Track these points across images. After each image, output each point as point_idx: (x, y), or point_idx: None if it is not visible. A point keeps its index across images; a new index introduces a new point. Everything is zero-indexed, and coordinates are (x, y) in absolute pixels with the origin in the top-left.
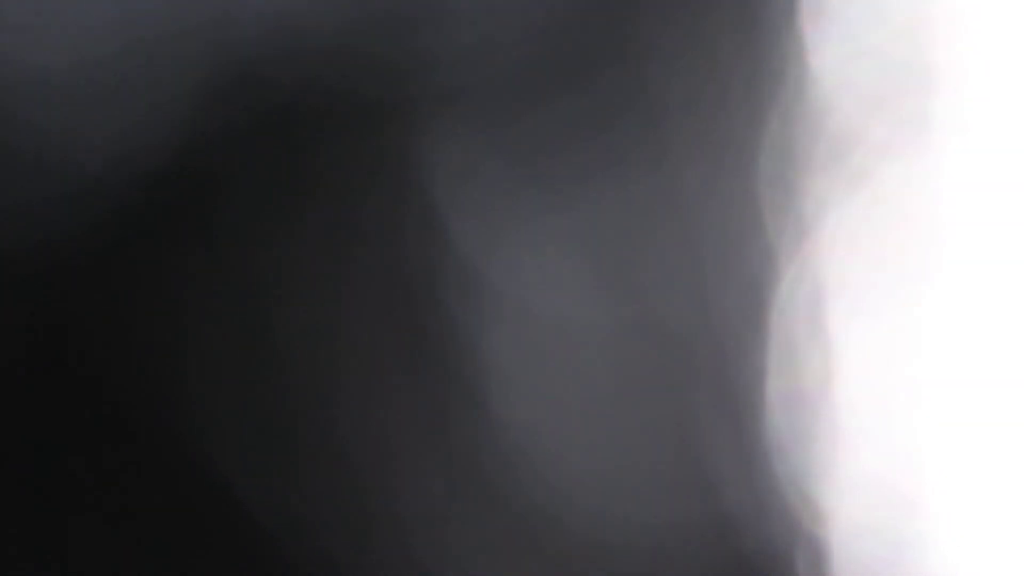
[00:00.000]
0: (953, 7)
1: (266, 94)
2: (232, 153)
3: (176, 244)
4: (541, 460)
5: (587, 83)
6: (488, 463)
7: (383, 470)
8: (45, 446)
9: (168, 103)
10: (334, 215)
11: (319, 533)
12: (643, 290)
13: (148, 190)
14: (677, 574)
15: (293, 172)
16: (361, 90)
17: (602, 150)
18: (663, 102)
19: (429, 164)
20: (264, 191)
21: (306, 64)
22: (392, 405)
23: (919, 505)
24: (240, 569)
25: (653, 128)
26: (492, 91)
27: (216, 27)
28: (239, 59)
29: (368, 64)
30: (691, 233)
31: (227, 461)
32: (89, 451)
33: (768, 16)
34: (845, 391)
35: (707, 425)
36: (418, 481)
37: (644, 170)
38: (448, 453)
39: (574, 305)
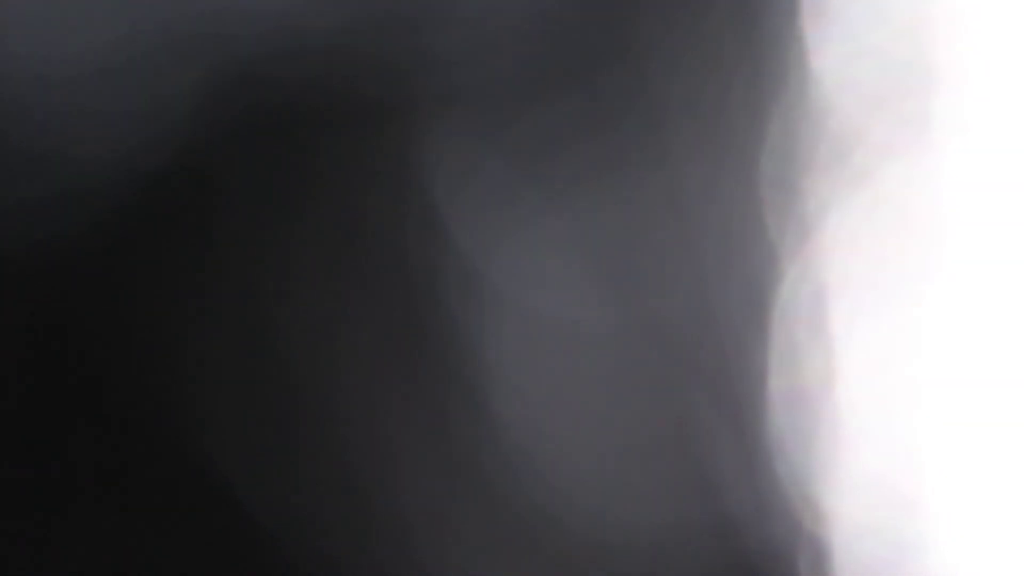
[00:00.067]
0: (954, 7)
1: (266, 94)
2: (232, 153)
3: (176, 244)
4: (542, 460)
5: (588, 83)
6: (488, 463)
7: (383, 470)
8: (45, 446)
9: (168, 103)
10: (334, 215)
11: (319, 533)
12: (644, 290)
13: (148, 190)
14: (678, 574)
15: (293, 172)
16: (361, 90)
17: (603, 150)
18: (664, 102)
19: (429, 164)
20: (264, 191)
21: (306, 64)
22: (392, 405)
23: (920, 505)
24: (240, 569)
25: (654, 128)
26: (493, 91)
27: (216, 27)
28: (239, 59)
29: (368, 64)
30: (692, 233)
31: (227, 461)
32: (89, 451)
33: (769, 16)
34: (846, 391)
35: (708, 425)
36: (418, 481)
37: (645, 170)
38: (448, 453)
39: (575, 305)
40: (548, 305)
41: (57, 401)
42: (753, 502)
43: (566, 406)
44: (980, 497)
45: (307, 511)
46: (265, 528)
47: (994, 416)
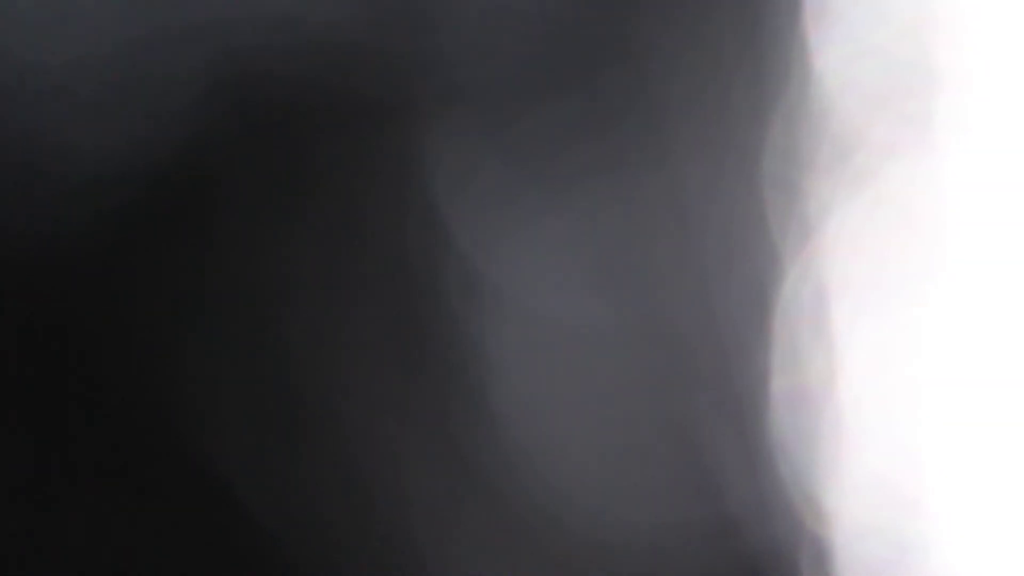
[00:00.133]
0: (956, 7)
1: (267, 93)
2: (233, 152)
3: (177, 243)
4: (543, 460)
5: (589, 83)
6: (489, 463)
7: (383, 469)
8: (45, 446)
9: (169, 102)
10: (335, 214)
11: (320, 533)
12: (645, 290)
13: (149, 189)
14: (680, 574)
15: (294, 172)
16: (362, 89)
17: (604, 150)
18: (665, 102)
19: (430, 164)
20: (265, 190)
21: (306, 63)
22: (393, 404)
23: (922, 505)
24: (240, 569)
25: (655, 128)
26: (493, 91)
27: (217, 27)
28: (240, 58)
29: (369, 63)
30: (693, 233)
31: (227, 461)
32: (89, 451)
33: (771, 16)
34: (848, 391)
35: (710, 425)
36: (419, 481)
37: (646, 170)
38: (449, 453)
39: (576, 305)
40: (549, 305)
41: (57, 401)
42: (755, 502)
43: (567, 406)
44: (982, 497)
45: (308, 511)
46: (265, 528)
47: (996, 416)
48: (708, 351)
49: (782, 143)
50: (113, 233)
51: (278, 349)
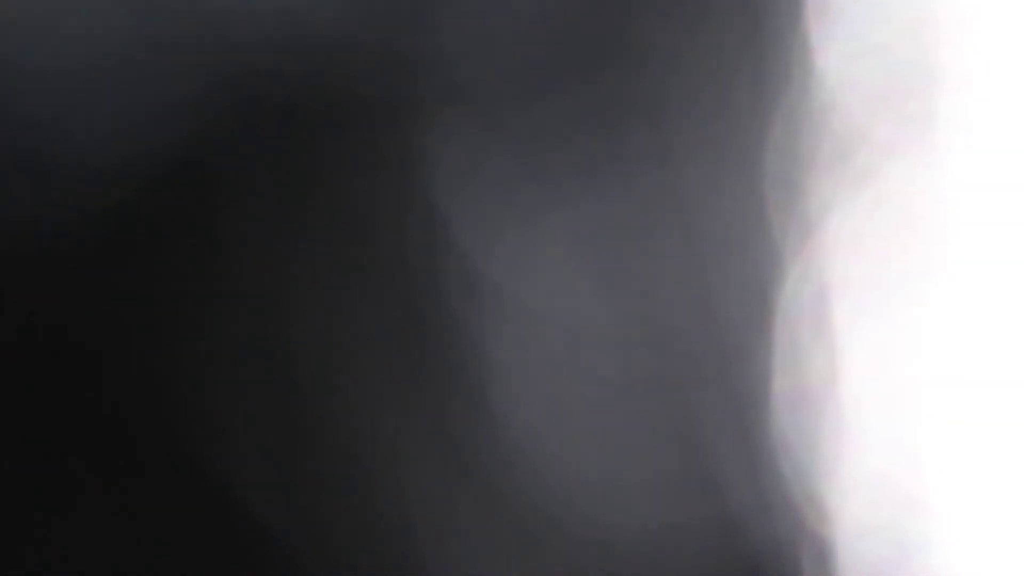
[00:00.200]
0: (958, 6)
1: (268, 91)
2: (234, 151)
3: (178, 242)
4: (544, 459)
5: (591, 80)
6: (490, 462)
7: (384, 469)
8: (45, 446)
9: (170, 100)
10: (336, 212)
11: (320, 533)
12: (646, 289)
13: (151, 188)
14: (681, 574)
15: (295, 170)
16: (363, 87)
17: (605, 148)
18: (667, 100)
19: (431, 161)
20: (266, 189)
21: (308, 61)
22: (393, 403)
23: (924, 504)
24: (241, 569)
25: (657, 126)
26: (495, 89)
27: (218, 24)
28: (241, 56)
29: (370, 61)
30: (695, 231)
31: (228, 460)
32: (89, 451)
33: (773, 15)
34: (850, 390)
35: (711, 424)
36: (420, 480)
37: (648, 169)
38: (450, 452)
39: (577, 304)
40: (550, 303)
41: (57, 401)
42: (756, 501)
43: (568, 405)
44: (983, 496)
45: (308, 511)
46: (266, 528)
47: (997, 415)
48: (709, 349)
49: (783, 142)
50: (113, 232)
51: (279, 348)
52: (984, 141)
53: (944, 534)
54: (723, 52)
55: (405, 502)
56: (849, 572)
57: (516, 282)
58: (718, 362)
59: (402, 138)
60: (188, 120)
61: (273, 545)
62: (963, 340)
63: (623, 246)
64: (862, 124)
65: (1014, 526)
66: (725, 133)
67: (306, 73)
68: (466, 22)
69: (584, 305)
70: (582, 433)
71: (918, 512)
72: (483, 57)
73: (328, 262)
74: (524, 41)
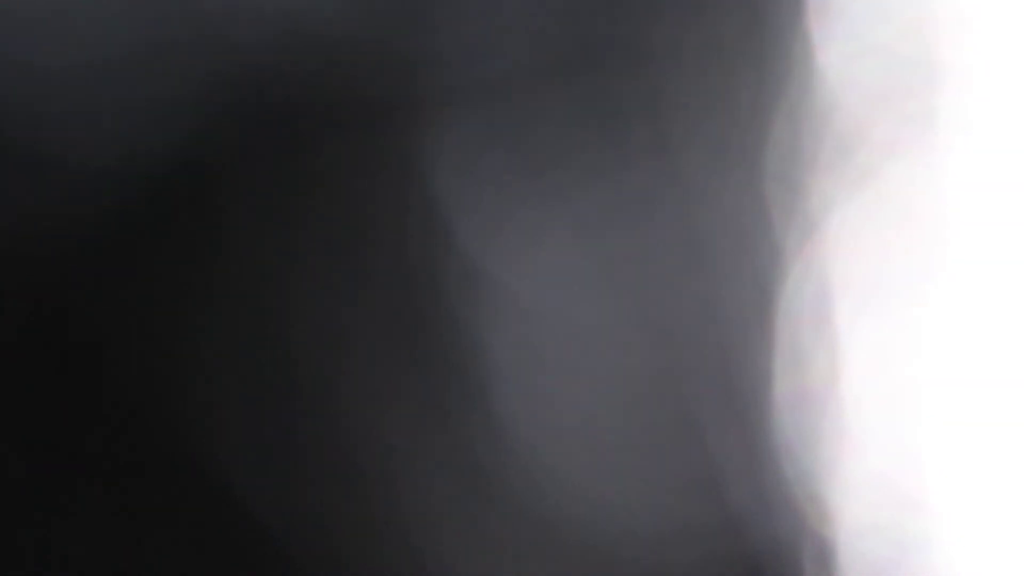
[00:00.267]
0: (958, 5)
1: (269, 91)
2: (235, 150)
3: (179, 242)
4: (545, 459)
5: (591, 80)
6: (490, 461)
7: (384, 467)
8: (45, 445)
9: (170, 101)
10: (336, 212)
11: (320, 532)
12: (647, 288)
13: (152, 188)
14: (684, 573)
15: (296, 170)
16: (364, 87)
17: (607, 147)
18: (668, 99)
19: (432, 160)
20: (266, 189)
21: (308, 61)
22: (394, 402)
23: (925, 504)
24: (241, 569)
25: (658, 125)
26: (496, 88)
27: (219, 26)
28: (242, 56)
29: (371, 61)
30: (696, 229)
31: (229, 460)
32: (89, 450)
33: (774, 13)
34: (851, 389)
35: (712, 424)
36: (420, 479)
37: (649, 168)
38: (450, 450)
39: (578, 303)
40: (551, 302)
41: (57, 400)
42: (757, 501)
43: (570, 404)
44: (984, 496)
45: (308, 510)
46: (266, 527)
47: (998, 416)
48: (710, 349)
49: (784, 141)
50: (115, 231)
51: (279, 347)
52: (985, 140)
53: (945, 534)
54: (724, 51)
55: (405, 502)
56: (850, 572)
57: (516, 281)
58: (719, 361)
59: (402, 138)
60: (188, 120)
61: (273, 545)
62: (964, 340)
63: (624, 245)
64: (863, 123)
65: (1014, 526)
66: (726, 132)
67: (306, 73)
68: (467, 21)
69: (585, 304)
70: (582, 432)
71: (919, 512)
72: (483, 57)
73: (328, 262)
74: (524, 41)
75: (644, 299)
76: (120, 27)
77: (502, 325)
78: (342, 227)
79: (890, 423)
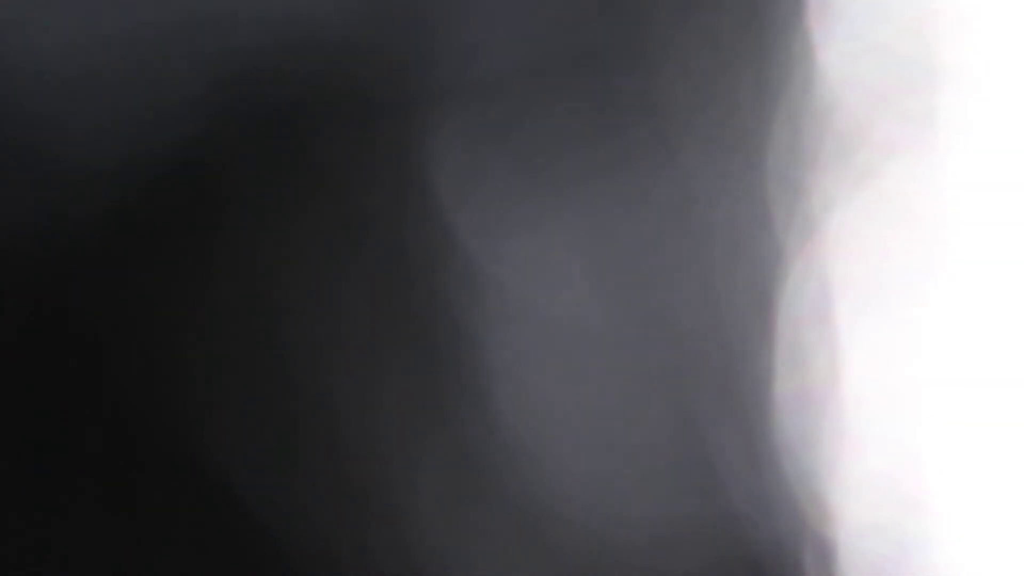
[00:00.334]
0: (959, 5)
1: (270, 92)
2: (234, 151)
3: (178, 242)
4: (547, 459)
5: (593, 80)
6: (491, 461)
7: (385, 468)
8: (45, 445)
9: (172, 101)
10: (338, 212)
11: (320, 532)
12: (649, 288)
13: (152, 187)
14: (685, 573)
15: (296, 170)
16: (366, 87)
17: (608, 147)
18: (670, 99)
19: (434, 162)
20: (268, 189)
21: (310, 61)
22: (395, 402)
23: (925, 504)
24: (240, 568)
25: (659, 125)
26: (498, 88)
27: (220, 26)
28: (242, 56)
29: (373, 61)
30: (698, 229)
31: (228, 459)
32: (89, 450)
33: (775, 13)
34: (852, 388)
35: (713, 423)
36: (421, 479)
37: (650, 168)
38: (451, 451)
39: (579, 303)
40: (553, 303)
41: (57, 400)
42: (758, 500)
43: (570, 404)
44: (984, 496)
45: (308, 510)
46: (265, 527)
47: (999, 415)
48: (711, 349)
49: (786, 140)
50: (115, 231)
51: (279, 348)
52: (986, 139)
53: (945, 533)
54: (725, 51)
55: (405, 501)
56: (851, 571)
57: (518, 282)
58: (721, 361)
59: (403, 138)
60: (189, 120)
61: (273, 545)
62: (964, 339)
63: (626, 244)
64: (864, 122)
65: (1014, 526)
66: (727, 132)
67: (307, 74)
68: (470, 22)
69: (584, 304)
70: (584, 432)
71: (919, 511)
72: (486, 57)
73: (328, 261)
74: (523, 40)
75: (643, 298)
76: (120, 27)
77: (501, 324)
78: (342, 227)
79: (891, 423)
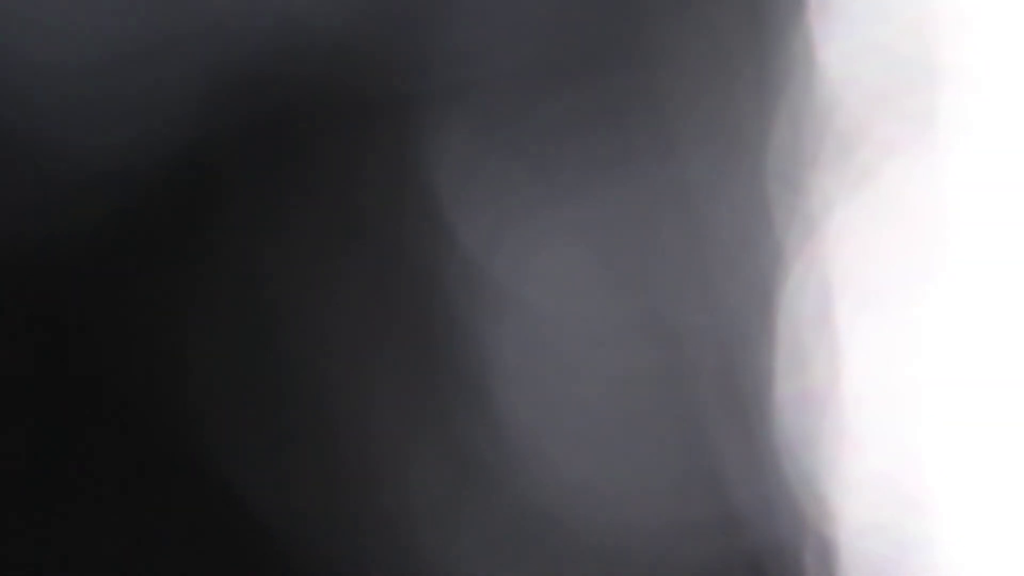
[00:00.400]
0: (959, 4)
1: (269, 91)
2: (235, 150)
3: (178, 242)
4: (547, 459)
5: (594, 78)
6: (492, 460)
7: (385, 467)
8: (45, 445)
9: (172, 101)
10: (337, 211)
11: (320, 531)
12: (649, 287)
13: (150, 189)
14: (685, 572)
15: (297, 169)
16: (365, 86)
17: (609, 146)
18: (670, 98)
19: (433, 160)
20: (267, 188)
21: (309, 60)
22: (395, 402)
23: (926, 504)
24: (240, 568)
25: (660, 124)
26: (498, 87)
27: (219, 24)
28: (242, 56)
29: (372, 60)
30: (698, 229)
31: (228, 459)
32: (89, 451)
33: (775, 11)
34: (853, 388)
35: (714, 423)
36: (421, 478)
37: (651, 166)
38: (451, 450)
39: (580, 302)
40: (552, 302)
41: (57, 400)
42: (759, 500)
43: (570, 403)
44: (985, 495)
45: (308, 509)
46: (266, 527)
47: (999, 415)
48: (713, 349)
49: (786, 139)
50: (115, 230)
51: (279, 346)
52: (986, 139)
53: (946, 533)
54: (725, 50)
55: (407, 501)
56: (852, 571)
57: (519, 281)
58: (721, 361)
59: (403, 138)
60: (189, 121)
61: (273, 545)
62: (965, 339)
63: (626, 243)
64: (865, 121)
65: (1015, 526)
66: (728, 131)
67: (306, 74)
68: (468, 20)
69: (587, 303)
70: (585, 432)
71: (920, 511)
72: (486, 55)
73: (330, 261)
74: (526, 40)
75: (645, 299)
76: (120, 27)
77: (503, 325)
78: (341, 226)
79: (891, 423)
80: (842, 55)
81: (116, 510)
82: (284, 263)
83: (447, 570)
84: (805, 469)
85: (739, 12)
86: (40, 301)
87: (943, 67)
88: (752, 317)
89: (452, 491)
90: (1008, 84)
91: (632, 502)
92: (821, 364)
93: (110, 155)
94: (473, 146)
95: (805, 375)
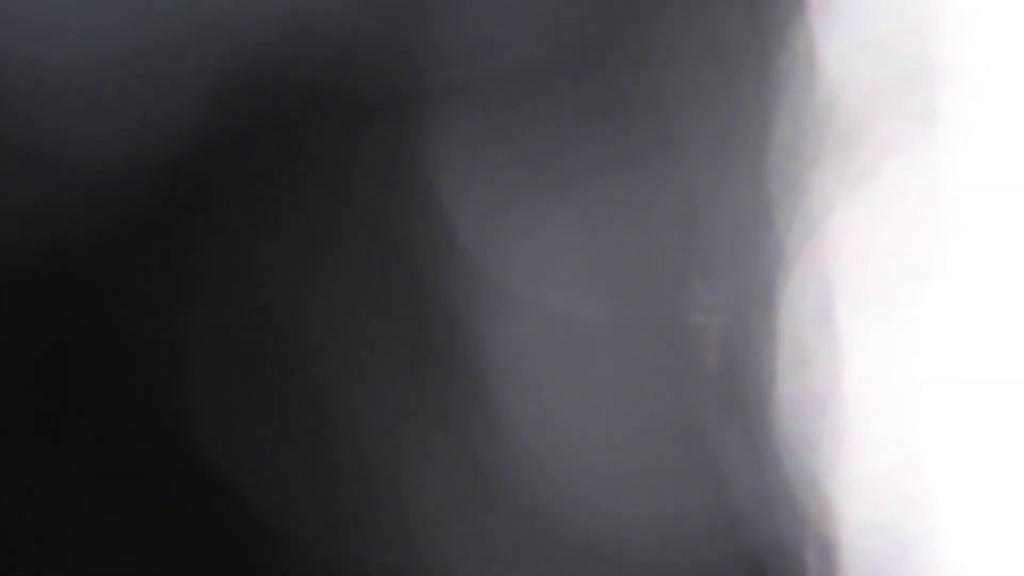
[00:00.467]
0: (959, 4)
1: (271, 91)
2: (237, 150)
3: (181, 242)
4: (548, 458)
5: (594, 77)
6: (492, 460)
7: (385, 467)
8: (45, 445)
9: (173, 102)
10: (338, 211)
11: (321, 531)
12: (649, 286)
13: (151, 188)
14: (686, 572)
15: (298, 169)
16: (366, 86)
17: (608, 144)
18: (670, 97)
19: (434, 159)
20: (267, 188)
21: (311, 60)
22: (394, 401)
23: (927, 503)
24: (240, 568)
25: (660, 123)
26: (499, 86)
27: (221, 24)
28: (244, 56)
29: (372, 60)
30: (697, 228)
31: (229, 460)
32: (89, 451)
33: (776, 10)
34: (854, 387)
35: (715, 422)
36: (421, 477)
37: (651, 165)
38: (452, 450)
39: (581, 301)
40: (554, 301)
41: (57, 400)
42: (760, 500)
43: (572, 403)
44: (985, 495)
45: (309, 509)
46: (266, 527)
47: (1000, 415)
48: (713, 348)
49: (786, 138)
50: (116, 231)
51: (280, 347)
52: (988, 138)
53: (947, 533)
54: (726, 48)
55: (407, 501)
56: (853, 570)
57: (519, 281)
58: (721, 360)
59: (404, 137)
60: (189, 121)
61: (273, 545)
62: (967, 339)
63: (627, 243)
64: (866, 120)
65: (1015, 526)
66: (728, 130)
67: (306, 73)
68: (470, 19)
69: (588, 302)
70: (585, 432)
71: (922, 511)
72: (488, 55)
73: (330, 261)
74: (527, 38)
75: (645, 298)
76: (120, 26)
77: (503, 323)
78: (341, 226)
79: (892, 422)
80: (842, 54)
81: (115, 510)
82: (284, 263)
83: (447, 570)
84: (806, 469)
85: (739, 11)
86: (39, 301)
87: (943, 66)
88: (752, 316)
89: (451, 490)
90: (1008, 84)
91: (632, 501)
92: (823, 363)
93: (109, 154)
94: (474, 146)
95: (807, 374)
